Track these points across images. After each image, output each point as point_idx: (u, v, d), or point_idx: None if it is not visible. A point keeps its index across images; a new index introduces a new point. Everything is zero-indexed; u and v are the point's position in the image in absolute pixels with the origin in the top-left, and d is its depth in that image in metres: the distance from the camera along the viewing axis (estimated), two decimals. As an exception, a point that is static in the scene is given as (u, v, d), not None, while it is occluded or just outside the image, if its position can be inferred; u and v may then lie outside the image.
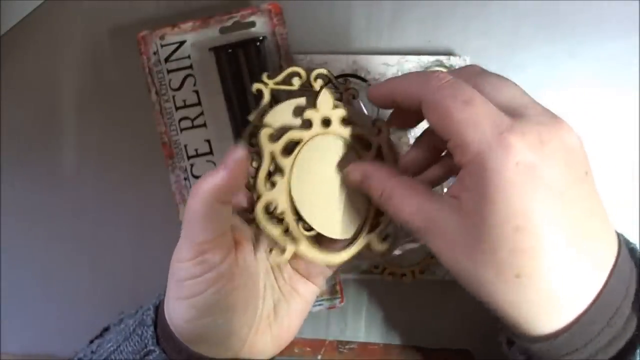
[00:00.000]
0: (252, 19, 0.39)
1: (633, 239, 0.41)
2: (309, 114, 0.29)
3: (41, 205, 0.44)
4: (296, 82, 0.31)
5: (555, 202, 0.23)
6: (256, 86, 0.31)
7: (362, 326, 0.42)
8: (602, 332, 0.24)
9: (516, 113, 0.24)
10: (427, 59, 0.40)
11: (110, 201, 0.43)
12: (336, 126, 0.30)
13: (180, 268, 0.28)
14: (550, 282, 0.23)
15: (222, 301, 0.28)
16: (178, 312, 0.28)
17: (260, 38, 0.39)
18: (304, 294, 0.33)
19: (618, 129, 0.41)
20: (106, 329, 0.35)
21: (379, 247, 0.30)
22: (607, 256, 0.24)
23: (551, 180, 0.23)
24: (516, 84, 0.27)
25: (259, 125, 0.30)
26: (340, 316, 0.42)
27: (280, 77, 0.31)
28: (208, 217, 0.27)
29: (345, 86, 0.31)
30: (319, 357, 0.42)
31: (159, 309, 0.31)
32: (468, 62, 0.40)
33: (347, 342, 0.42)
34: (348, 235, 0.30)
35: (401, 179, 0.27)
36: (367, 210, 0.31)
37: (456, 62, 0.40)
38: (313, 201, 0.30)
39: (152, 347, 0.29)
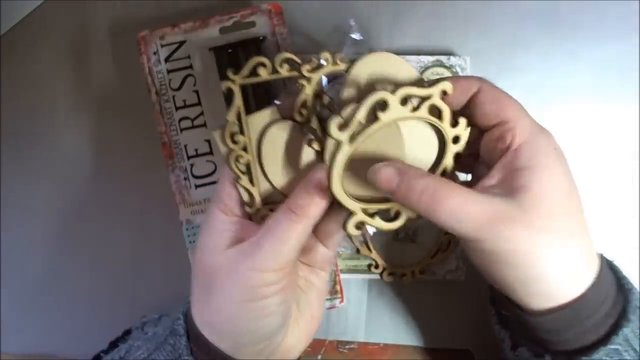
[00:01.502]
0: (252, 19, 0.39)
1: (633, 240, 0.41)
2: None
3: (41, 205, 0.44)
4: (263, 72, 0.30)
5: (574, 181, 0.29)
6: (225, 85, 0.30)
7: (362, 326, 0.42)
8: (607, 297, 0.28)
9: None
10: (427, 59, 0.40)
11: (111, 201, 0.43)
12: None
13: (258, 277, 0.29)
14: (589, 241, 0.28)
15: (282, 305, 0.30)
16: (235, 315, 0.29)
17: (260, 38, 0.39)
18: (316, 283, 0.34)
19: (618, 129, 0.41)
20: (128, 332, 0.35)
21: (351, 228, 0.30)
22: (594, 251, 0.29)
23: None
24: None
25: (239, 123, 0.30)
26: (340, 316, 0.42)
27: (246, 71, 0.30)
28: (304, 239, 0.29)
29: (311, 65, 0.31)
30: (319, 357, 0.42)
31: (187, 316, 0.31)
32: (468, 62, 0.40)
33: (347, 342, 0.42)
34: None
35: (437, 177, 0.29)
36: None
37: (456, 62, 0.40)
38: None
39: (186, 358, 0.30)
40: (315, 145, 0.30)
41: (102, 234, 0.43)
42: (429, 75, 0.40)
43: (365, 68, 0.30)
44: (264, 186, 0.31)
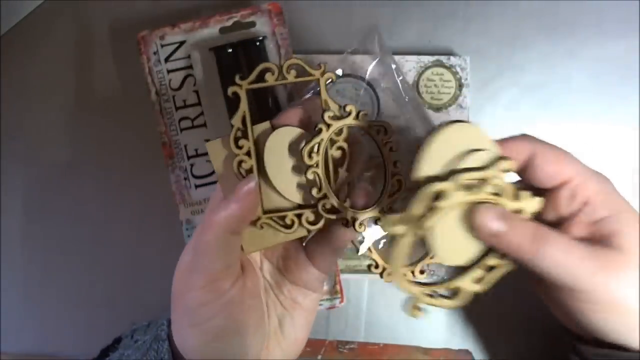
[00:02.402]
0: (252, 19, 0.39)
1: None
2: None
3: (41, 205, 0.44)
4: (270, 78, 0.30)
5: None
6: (232, 89, 0.30)
7: (362, 326, 0.42)
8: None
9: None
10: (427, 59, 0.40)
11: (111, 201, 0.43)
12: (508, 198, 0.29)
13: (191, 297, 0.28)
14: None
15: (233, 324, 0.29)
16: (190, 339, 0.29)
17: (260, 38, 0.39)
18: (305, 304, 0.33)
19: (618, 129, 0.41)
20: (118, 340, 0.35)
21: (411, 309, 0.30)
22: None
23: None
24: None
25: (244, 128, 0.30)
26: (340, 316, 0.42)
27: (253, 76, 0.30)
28: (221, 249, 0.28)
29: (322, 70, 0.30)
30: (319, 357, 0.42)
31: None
32: (468, 62, 0.40)
33: (347, 342, 0.42)
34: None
35: (538, 223, 0.28)
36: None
37: (456, 62, 0.40)
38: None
39: None
40: (314, 192, 0.30)
41: (102, 233, 0.43)
42: (429, 75, 0.40)
43: (440, 147, 0.29)
44: (266, 194, 0.31)
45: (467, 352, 0.41)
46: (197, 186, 0.40)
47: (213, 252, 0.28)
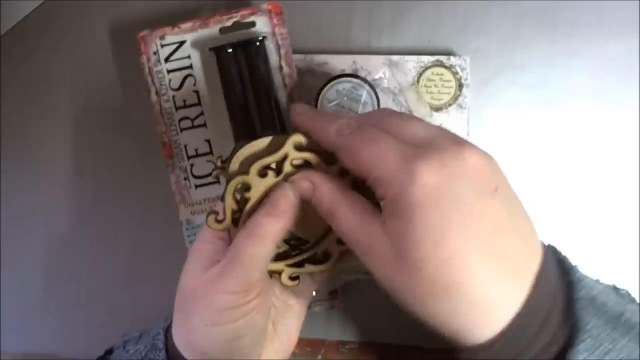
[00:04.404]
0: (252, 19, 0.39)
1: (632, 239, 0.41)
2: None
3: (41, 205, 0.44)
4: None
5: (463, 215, 0.25)
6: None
7: (362, 326, 0.42)
8: (536, 339, 0.25)
9: (421, 144, 0.26)
10: (427, 59, 0.40)
11: (111, 201, 0.43)
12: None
13: (219, 299, 0.29)
14: (474, 290, 0.24)
15: (254, 326, 0.30)
16: (209, 337, 0.30)
17: (260, 38, 0.39)
18: (296, 306, 0.34)
19: (618, 129, 0.41)
20: (110, 351, 0.35)
21: (286, 281, 0.32)
22: (528, 266, 0.26)
23: (456, 196, 0.25)
24: (420, 119, 0.29)
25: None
26: (340, 316, 0.42)
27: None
28: (265, 258, 0.29)
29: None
30: (319, 357, 0.42)
31: (167, 332, 0.32)
32: (468, 62, 0.40)
33: (347, 342, 0.42)
34: None
35: (349, 194, 0.29)
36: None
37: (456, 62, 0.40)
38: None
39: None
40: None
41: (102, 234, 0.43)
42: (429, 75, 0.40)
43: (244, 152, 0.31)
44: None
45: (467, 352, 0.41)
46: (197, 186, 0.40)
47: (257, 263, 0.29)
